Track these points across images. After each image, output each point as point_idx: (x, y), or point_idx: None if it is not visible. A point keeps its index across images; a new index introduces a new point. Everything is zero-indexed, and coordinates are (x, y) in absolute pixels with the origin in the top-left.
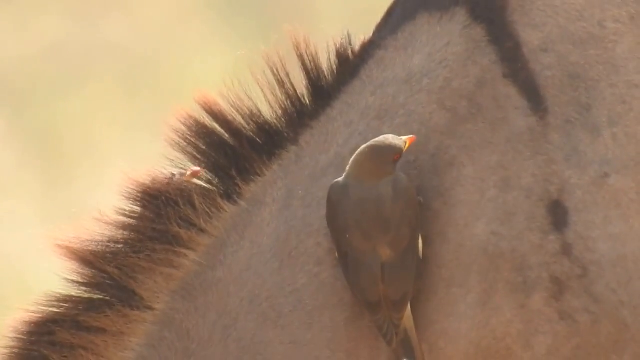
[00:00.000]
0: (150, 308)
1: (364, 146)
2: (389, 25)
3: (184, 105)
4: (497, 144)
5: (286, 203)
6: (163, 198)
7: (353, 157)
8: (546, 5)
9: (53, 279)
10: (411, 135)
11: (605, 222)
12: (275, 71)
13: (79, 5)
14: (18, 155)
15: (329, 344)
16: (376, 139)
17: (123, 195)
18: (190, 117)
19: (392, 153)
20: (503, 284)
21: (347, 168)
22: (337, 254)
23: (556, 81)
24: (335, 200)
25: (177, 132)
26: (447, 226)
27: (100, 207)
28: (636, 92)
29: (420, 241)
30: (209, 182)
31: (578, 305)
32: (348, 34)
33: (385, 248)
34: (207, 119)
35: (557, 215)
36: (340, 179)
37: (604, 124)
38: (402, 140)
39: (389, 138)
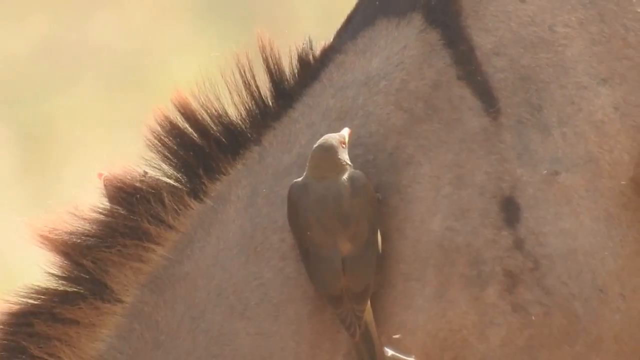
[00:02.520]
0: (121, 301)
1: (314, 147)
2: (349, 30)
3: (160, 105)
4: (451, 143)
5: (250, 201)
6: (137, 195)
7: (309, 159)
8: (499, 11)
9: (35, 270)
10: (347, 128)
11: (556, 218)
12: (242, 73)
13: (65, 6)
14: (4, 153)
15: (294, 335)
16: (321, 139)
17: (99, 192)
18: (165, 117)
19: (338, 142)
20: (458, 277)
21: (306, 169)
22: (298, 251)
23: (508, 83)
24: (295, 199)
25: (152, 131)
26: (405, 222)
27: (84, 203)
28: (585, 93)
29: (379, 236)
30: (177, 180)
31: (530, 298)
32: (309, 39)
33: (346, 242)
34: (179, 119)
35: (510, 211)
36: (299, 179)
37: (554, 124)
38: (342, 133)
39: (331, 134)
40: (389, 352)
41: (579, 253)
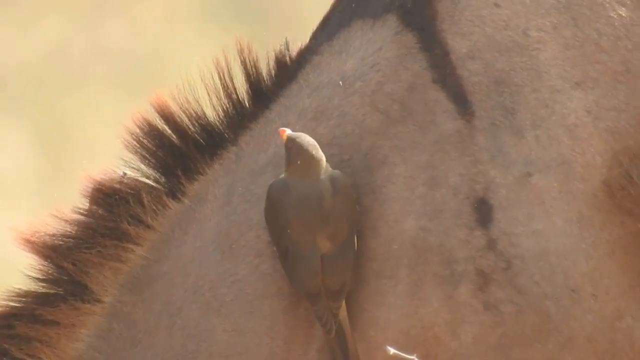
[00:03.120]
0: (100, 301)
1: (297, 146)
2: (325, 31)
3: (140, 108)
4: (426, 145)
5: (227, 199)
6: (116, 196)
7: (290, 158)
8: (474, 15)
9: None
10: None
11: (528, 219)
12: (221, 75)
13: (79, 10)
14: (18, 155)
15: (269, 331)
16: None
17: (82, 194)
18: (144, 119)
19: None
20: (431, 276)
21: (286, 168)
22: (276, 250)
23: (482, 86)
24: (276, 198)
25: (131, 133)
26: (379, 221)
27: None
28: (558, 96)
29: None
30: (156, 181)
31: (502, 297)
32: (286, 41)
33: (325, 241)
34: (158, 120)
35: (483, 212)
36: (279, 177)
37: (527, 127)
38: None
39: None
40: (391, 350)
41: (551, 254)
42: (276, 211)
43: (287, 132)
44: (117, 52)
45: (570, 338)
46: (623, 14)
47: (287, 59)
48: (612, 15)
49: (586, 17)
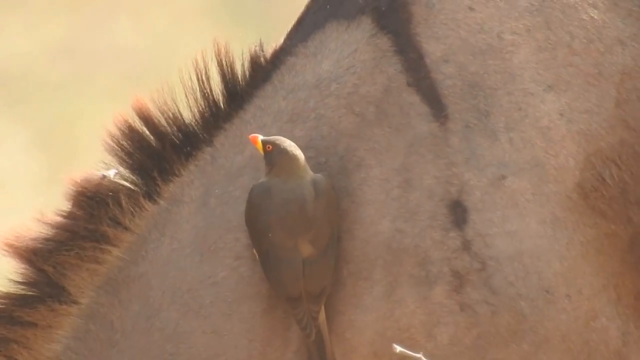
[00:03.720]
0: (77, 302)
1: (280, 149)
2: (300, 33)
3: (120, 109)
4: (401, 148)
5: (203, 201)
6: (97, 199)
7: (272, 161)
8: (448, 19)
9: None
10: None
11: (503, 221)
12: (199, 76)
13: (84, 9)
14: (24, 154)
15: (247, 333)
16: (284, 142)
17: (64, 196)
18: (123, 120)
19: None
20: (406, 277)
21: (267, 171)
22: (256, 254)
23: (457, 89)
24: (257, 201)
25: (111, 135)
26: (355, 223)
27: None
28: (531, 99)
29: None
30: (134, 183)
31: (478, 298)
32: (260, 42)
33: (307, 245)
34: (136, 122)
35: (457, 214)
36: (261, 180)
37: (501, 130)
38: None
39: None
40: (398, 348)
41: (525, 255)
42: (258, 215)
43: (260, 137)
44: (125, 50)
45: (545, 338)
46: (595, 17)
47: (262, 59)
48: (584, 17)
49: (559, 20)
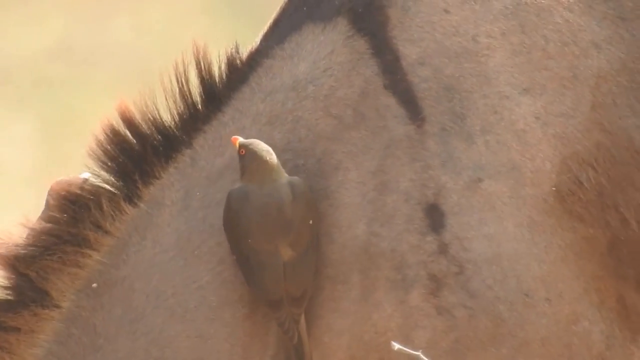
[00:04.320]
0: (58, 306)
1: (252, 153)
2: (276, 34)
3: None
4: (377, 150)
5: (185, 204)
6: (80, 202)
7: (245, 164)
8: (424, 21)
9: None
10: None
11: (480, 224)
12: (178, 78)
13: (83, 6)
14: (23, 151)
15: (229, 338)
16: (257, 144)
17: (47, 200)
18: (109, 124)
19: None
20: (383, 281)
21: (242, 175)
22: (236, 258)
23: (432, 92)
24: (236, 207)
25: (95, 138)
26: (332, 227)
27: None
28: (507, 102)
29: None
30: (114, 186)
31: (455, 301)
32: (236, 44)
33: (287, 248)
34: (120, 125)
35: (434, 217)
36: (237, 185)
37: (477, 132)
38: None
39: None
40: (396, 345)
41: (504, 258)
42: (236, 221)
43: (240, 139)
44: (125, 49)
45: (524, 342)
46: (570, 20)
47: (238, 61)
48: (558, 21)
49: (533, 23)
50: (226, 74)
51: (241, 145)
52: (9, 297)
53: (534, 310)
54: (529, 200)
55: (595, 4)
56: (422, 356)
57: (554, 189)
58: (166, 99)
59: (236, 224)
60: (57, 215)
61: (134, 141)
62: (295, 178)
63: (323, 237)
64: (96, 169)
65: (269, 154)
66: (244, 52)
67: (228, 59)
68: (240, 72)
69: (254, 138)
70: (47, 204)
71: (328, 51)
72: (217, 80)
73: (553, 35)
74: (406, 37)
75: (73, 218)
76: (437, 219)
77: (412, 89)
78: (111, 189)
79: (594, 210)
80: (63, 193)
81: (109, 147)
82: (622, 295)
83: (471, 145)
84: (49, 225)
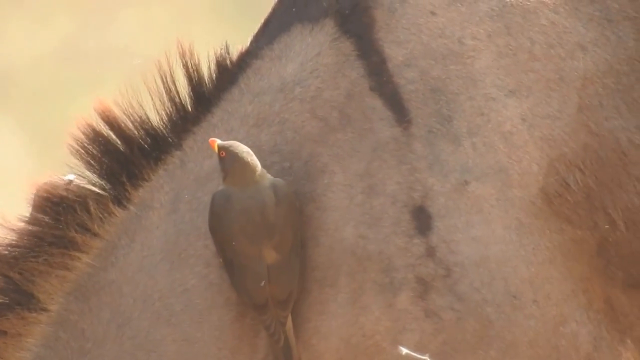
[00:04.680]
0: (46, 310)
1: (233, 155)
2: (266, 36)
3: (84, 114)
4: (364, 153)
5: (173, 207)
6: (63, 204)
7: (227, 167)
8: (410, 23)
9: None
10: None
11: (467, 226)
12: (164, 79)
13: (89, 7)
14: (28, 154)
15: (217, 341)
16: (237, 147)
17: (28, 202)
18: (88, 125)
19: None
20: (371, 284)
21: (224, 178)
22: (221, 262)
23: (419, 94)
24: (219, 210)
25: (77, 139)
26: (319, 230)
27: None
28: (493, 104)
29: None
30: (102, 188)
31: (443, 304)
32: (226, 44)
33: (271, 251)
34: (102, 126)
35: (421, 220)
36: (220, 188)
37: (464, 135)
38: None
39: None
40: (404, 350)
41: (491, 260)
42: (220, 223)
43: (218, 141)
44: (130, 49)
45: (512, 344)
46: (556, 22)
47: (228, 62)
48: (544, 23)
49: (519, 25)
50: (215, 75)
51: (220, 148)
52: None
53: (522, 312)
54: (517, 202)
55: (581, 5)
56: None
57: (541, 191)
58: (152, 100)
59: (220, 227)
60: (40, 217)
61: (119, 142)
62: (278, 180)
63: (310, 240)
64: (82, 171)
65: (250, 155)
66: (234, 53)
67: (217, 60)
68: (230, 73)
69: (243, 140)
70: (32, 205)
71: (315, 53)
72: (206, 81)
73: (539, 37)
74: (392, 38)
75: (56, 220)
76: (425, 221)
77: (399, 91)
78: (98, 190)
79: (581, 212)
80: (46, 195)
81: (92, 148)
82: (609, 296)
83: (458, 148)
84: (31, 226)
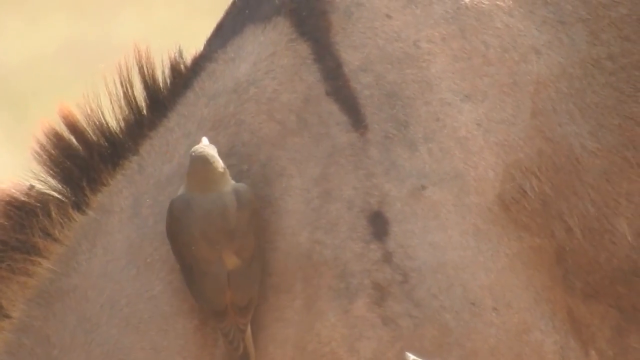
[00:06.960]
0: (8, 316)
1: (192, 159)
2: (219, 38)
3: (46, 117)
4: (320, 158)
5: (134, 211)
6: (26, 209)
7: (188, 172)
8: (366, 27)
9: None
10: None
11: (424, 232)
12: (122, 82)
13: (89, 4)
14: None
15: (181, 350)
16: (197, 150)
17: None
18: (50, 128)
19: (215, 152)
20: (326, 289)
21: (185, 182)
22: (180, 268)
23: (375, 99)
24: (178, 215)
25: (39, 143)
26: (276, 234)
27: None
28: (449, 109)
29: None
30: (62, 193)
31: (400, 310)
32: (179, 48)
33: (232, 257)
34: (63, 130)
35: (378, 225)
36: (180, 193)
37: (420, 140)
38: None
39: (203, 145)
40: (411, 356)
41: (449, 266)
42: (179, 229)
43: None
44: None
45: (472, 351)
46: (510, 25)
47: (182, 66)
48: (499, 26)
49: (473, 28)
50: (170, 79)
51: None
52: None
53: (481, 320)
54: (474, 208)
55: (536, 8)
56: None
57: (497, 197)
58: (111, 104)
59: (179, 232)
60: (2, 222)
61: (80, 147)
62: (241, 185)
63: (267, 244)
64: (42, 175)
65: (213, 159)
66: (188, 58)
67: (172, 64)
68: (184, 77)
69: (197, 145)
70: None
71: (269, 52)
72: (161, 86)
73: (493, 40)
74: (348, 43)
75: (20, 224)
76: (381, 226)
77: (355, 95)
78: (58, 195)
79: (539, 220)
80: (7, 199)
81: (54, 152)
82: (570, 307)
83: (414, 153)
84: None
